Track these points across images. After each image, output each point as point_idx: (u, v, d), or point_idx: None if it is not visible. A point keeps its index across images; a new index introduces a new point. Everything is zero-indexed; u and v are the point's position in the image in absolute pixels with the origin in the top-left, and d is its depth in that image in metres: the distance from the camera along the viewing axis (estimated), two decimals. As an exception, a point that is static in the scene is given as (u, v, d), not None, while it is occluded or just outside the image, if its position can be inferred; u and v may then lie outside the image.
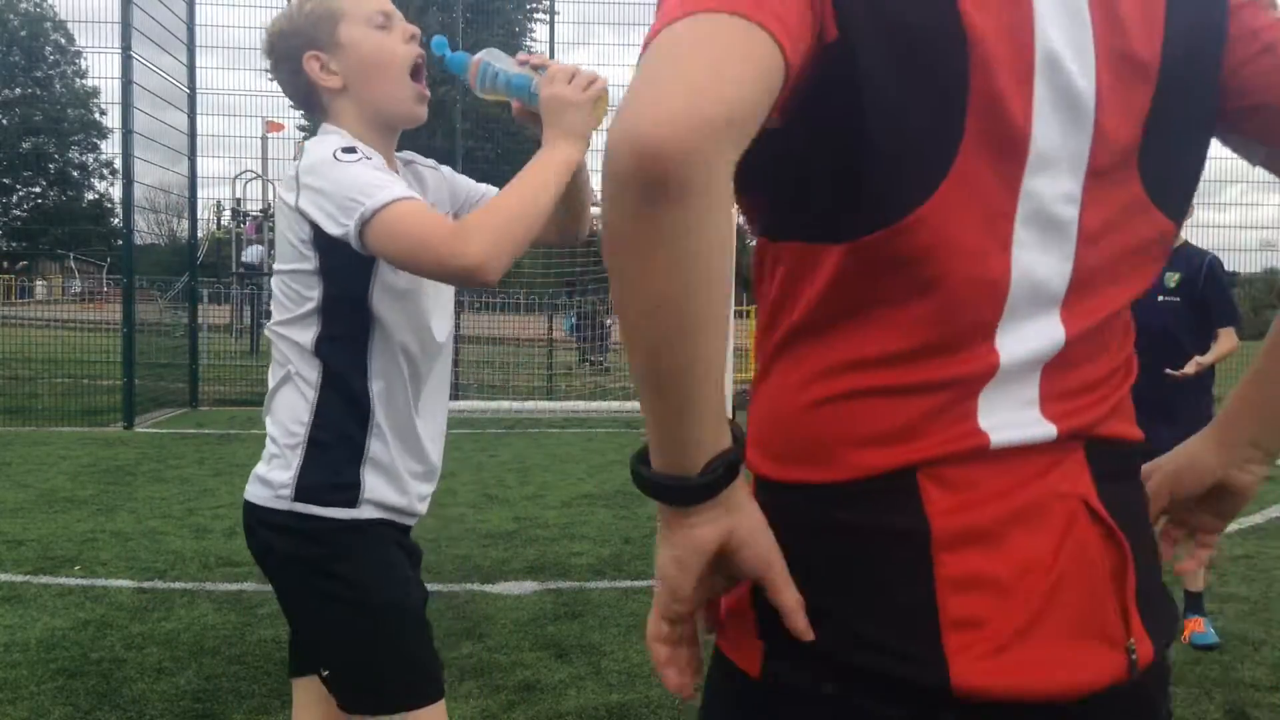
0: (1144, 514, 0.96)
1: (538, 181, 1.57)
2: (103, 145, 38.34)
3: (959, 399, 0.85)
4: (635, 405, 11.73)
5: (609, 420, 11.45)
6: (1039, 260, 0.87)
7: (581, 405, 12.46)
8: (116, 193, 16.05)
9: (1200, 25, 0.91)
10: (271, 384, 1.79)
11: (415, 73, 1.79)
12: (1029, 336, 0.87)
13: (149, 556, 5.18)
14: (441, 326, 1.84)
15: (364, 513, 1.73)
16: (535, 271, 15.69)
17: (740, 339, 14.39)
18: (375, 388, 1.73)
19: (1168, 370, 4.08)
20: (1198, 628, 4.13)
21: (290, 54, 1.78)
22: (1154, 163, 0.90)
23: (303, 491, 1.70)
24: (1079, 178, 0.87)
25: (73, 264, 30.58)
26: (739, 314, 13.51)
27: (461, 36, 14.35)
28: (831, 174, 0.84)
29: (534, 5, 32.79)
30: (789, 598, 0.83)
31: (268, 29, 1.84)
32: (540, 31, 36.54)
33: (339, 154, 1.62)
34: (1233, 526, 6.28)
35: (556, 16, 13.71)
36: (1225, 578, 5.09)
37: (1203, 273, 4.16)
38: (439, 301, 1.82)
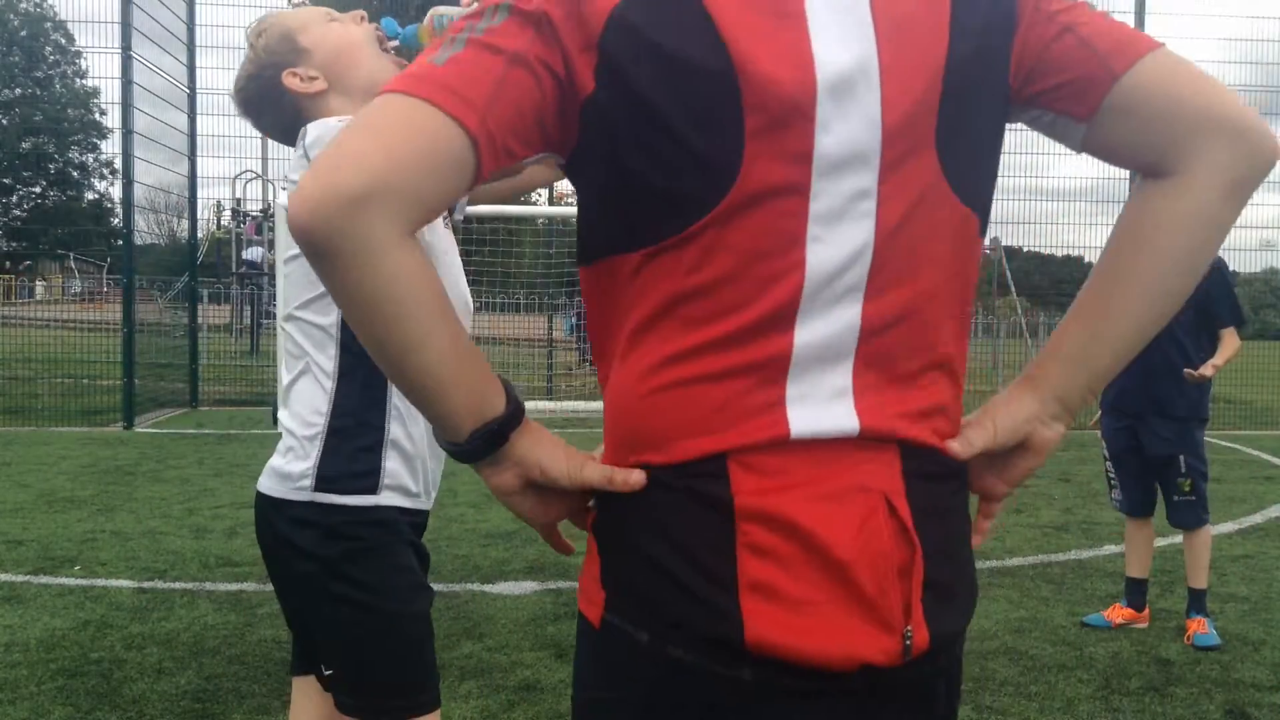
0: (955, 513, 1.02)
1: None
2: (103, 145, 38.44)
3: (763, 387, 0.94)
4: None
5: (609, 420, 11.44)
6: (833, 253, 0.93)
7: (581, 405, 12.44)
8: (116, 193, 16.06)
9: (986, 21, 0.97)
10: (286, 378, 1.79)
11: (380, 45, 1.85)
12: (826, 324, 0.94)
13: (149, 556, 5.18)
14: (459, 298, 1.78)
15: (384, 499, 1.73)
16: (535, 272, 15.70)
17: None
18: None
19: (1186, 370, 4.11)
20: (1200, 628, 4.14)
21: (267, 88, 1.82)
22: (951, 153, 0.96)
23: (323, 481, 1.70)
24: (873, 173, 0.93)
25: (73, 264, 30.59)
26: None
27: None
28: (626, 192, 0.94)
29: (534, 5, 32.84)
30: (597, 474, 0.98)
31: (235, 87, 1.87)
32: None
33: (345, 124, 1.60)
34: (1232, 526, 6.29)
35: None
36: (1225, 578, 5.09)
37: (1210, 274, 4.17)
38: (455, 276, 1.81)
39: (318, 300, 1.71)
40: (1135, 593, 4.36)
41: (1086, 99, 0.98)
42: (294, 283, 1.74)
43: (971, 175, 1.00)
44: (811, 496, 0.93)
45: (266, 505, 1.75)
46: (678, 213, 0.93)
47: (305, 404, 1.74)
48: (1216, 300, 4.16)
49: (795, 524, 0.92)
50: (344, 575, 1.70)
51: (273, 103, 1.83)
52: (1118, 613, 4.33)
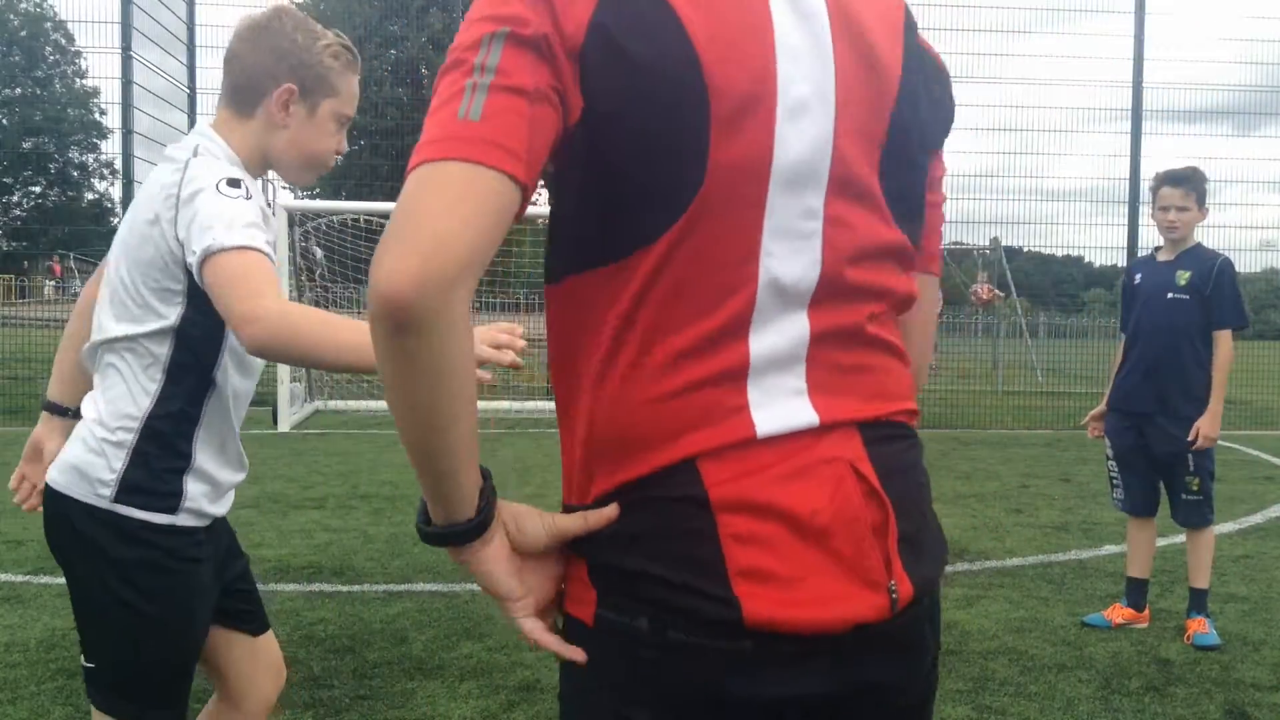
0: (915, 467, 1.11)
1: (360, 344, 1.59)
2: (103, 145, 38.39)
3: (727, 392, 0.99)
4: (635, 405, 11.72)
5: (609, 420, 11.44)
6: (785, 267, 1.00)
7: (581, 405, 12.44)
8: (116, 193, 16.05)
9: (927, 81, 1.12)
10: (102, 378, 1.85)
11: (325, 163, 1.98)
12: (777, 332, 1.01)
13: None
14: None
15: (180, 520, 1.83)
16: (535, 271, 15.70)
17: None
18: (207, 408, 1.85)
19: (1190, 441, 4.12)
20: (1200, 628, 4.14)
21: (279, 55, 1.85)
22: (892, 184, 1.07)
23: (125, 493, 1.78)
24: (820, 195, 1.01)
25: (73, 264, 30.58)
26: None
27: (461, 36, 14.37)
28: (601, 202, 0.98)
29: (534, 5, 32.76)
30: (572, 522, 1.02)
31: (279, 10, 1.88)
32: (540, 31, 36.56)
33: (222, 185, 1.71)
34: (1232, 526, 6.29)
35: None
36: (1225, 578, 5.09)
37: (1213, 274, 4.18)
38: None
39: (161, 333, 1.78)
40: (1136, 593, 4.35)
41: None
42: (136, 313, 1.79)
43: (905, 206, 1.10)
44: (781, 476, 0.99)
45: (64, 502, 1.81)
46: (647, 222, 0.97)
47: (116, 407, 1.80)
48: (1219, 300, 4.15)
49: (770, 504, 0.98)
50: (131, 580, 1.79)
51: (265, 59, 1.85)
52: (1118, 613, 4.33)
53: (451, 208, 0.88)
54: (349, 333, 1.61)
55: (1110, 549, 5.68)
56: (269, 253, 1.69)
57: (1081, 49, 12.88)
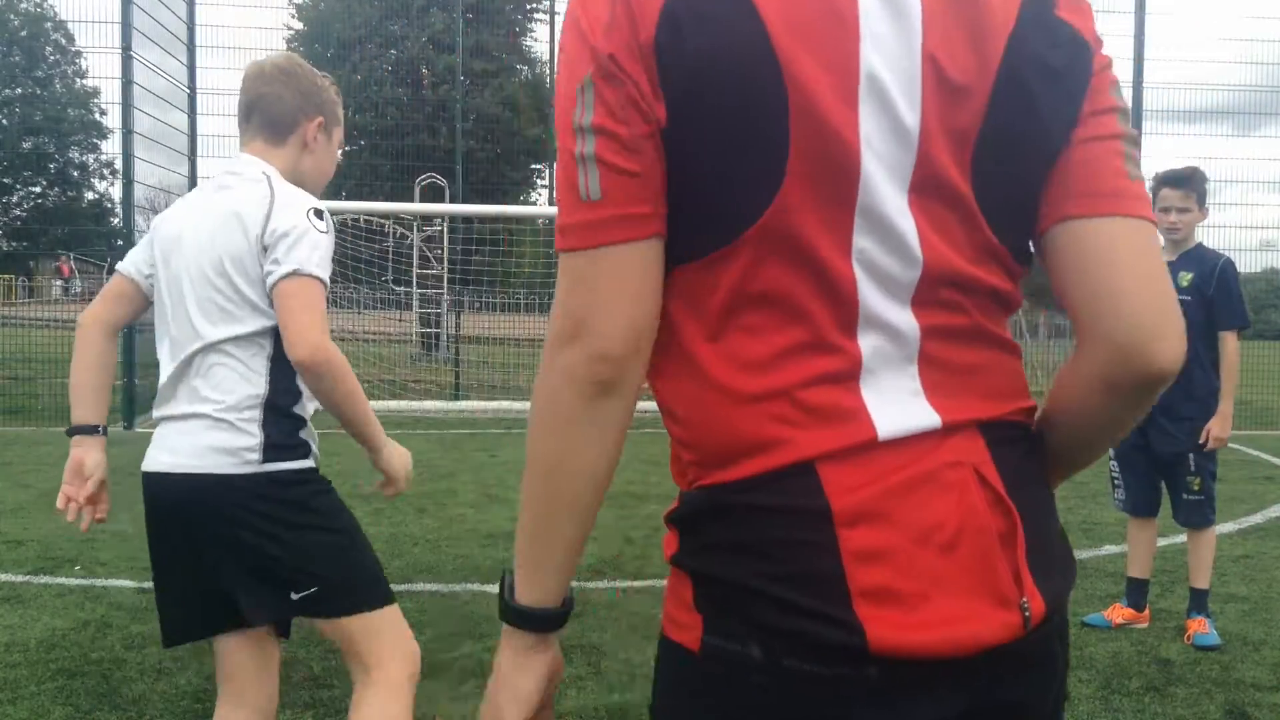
0: (1039, 475, 1.04)
1: (367, 417, 2.15)
2: (103, 145, 38.41)
3: (842, 392, 0.95)
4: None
5: (609, 420, 11.44)
6: (882, 263, 0.95)
7: (581, 405, 12.42)
8: (116, 193, 16.06)
9: (1040, 73, 0.98)
10: (208, 375, 2.16)
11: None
12: (884, 331, 0.96)
13: (149, 556, 5.17)
14: None
15: (312, 462, 2.21)
16: (535, 271, 15.70)
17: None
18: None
19: (1200, 444, 4.15)
20: (1200, 628, 4.14)
21: (306, 94, 2.27)
22: (988, 189, 0.98)
23: (271, 450, 2.12)
24: (905, 192, 0.95)
25: (73, 264, 30.57)
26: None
27: (462, 37, 14.35)
28: (678, 202, 0.95)
29: (534, 5, 32.78)
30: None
31: (287, 62, 2.29)
32: (540, 31, 36.57)
33: (311, 215, 2.11)
34: (1232, 526, 6.29)
35: (556, 17, 13.66)
36: (1225, 578, 5.09)
37: (1215, 275, 4.18)
38: None
39: (265, 331, 2.12)
40: (1136, 593, 4.36)
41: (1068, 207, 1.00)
42: (239, 315, 2.11)
43: (1004, 208, 1.00)
44: (904, 485, 0.93)
45: (208, 480, 2.07)
46: (729, 219, 0.94)
47: (238, 392, 2.10)
48: (1222, 301, 4.16)
49: (893, 517, 0.92)
50: (312, 509, 2.14)
51: (301, 95, 2.26)
52: (1118, 612, 4.34)
53: (628, 293, 0.94)
54: (361, 398, 2.11)
55: (1110, 549, 5.68)
56: (328, 283, 2.11)
57: (1081, 49, 12.91)
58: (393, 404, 12.05)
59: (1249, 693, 3.61)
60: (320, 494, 2.18)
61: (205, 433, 2.08)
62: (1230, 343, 4.18)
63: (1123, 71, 11.62)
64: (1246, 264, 16.78)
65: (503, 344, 15.68)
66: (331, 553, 2.15)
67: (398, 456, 2.25)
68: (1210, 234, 12.47)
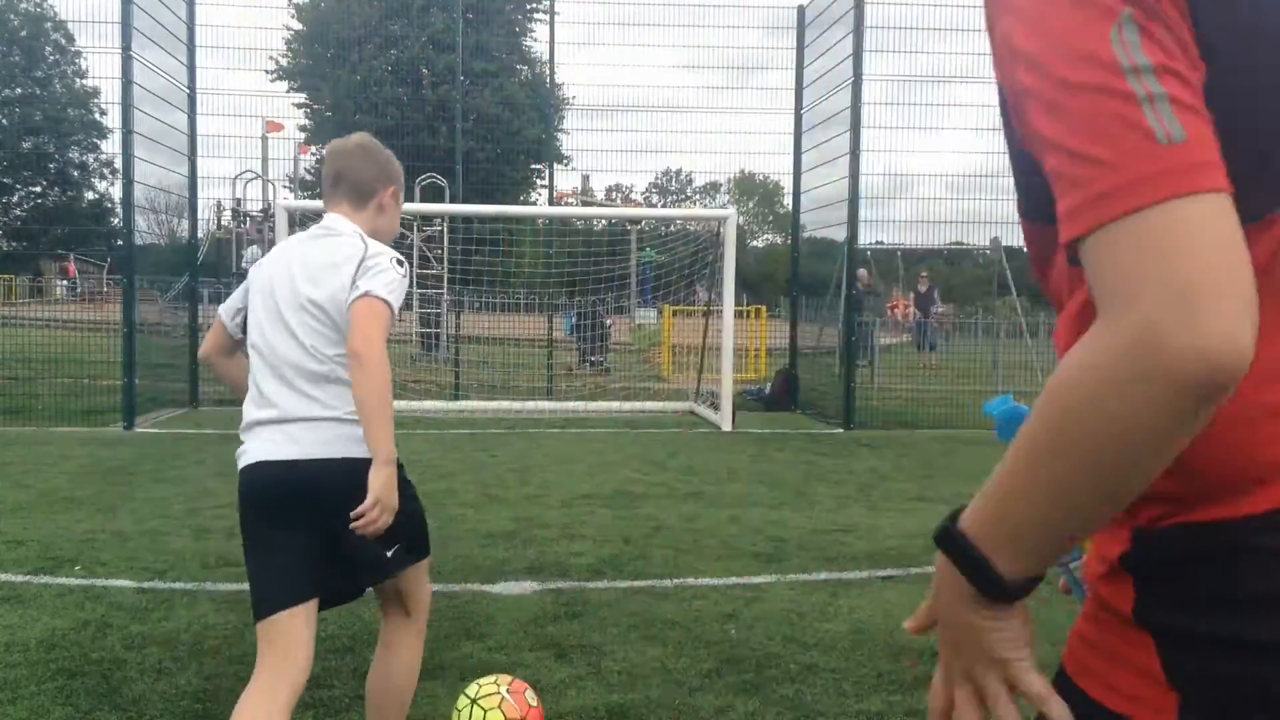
0: None
1: (383, 421, 2.49)
2: (103, 145, 38.37)
3: None
4: (635, 405, 11.65)
5: (609, 420, 11.45)
6: None
7: (581, 405, 12.45)
8: (117, 193, 16.06)
9: None
10: (318, 387, 2.59)
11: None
12: None
13: (149, 556, 5.18)
14: None
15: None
16: (535, 271, 15.70)
17: (740, 339, 14.40)
18: None
19: None
20: None
21: (382, 167, 2.79)
22: None
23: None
24: None
25: (73, 264, 30.56)
26: (739, 314, 13.52)
27: (462, 37, 14.36)
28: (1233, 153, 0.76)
29: (534, 5, 32.78)
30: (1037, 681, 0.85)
31: (373, 142, 2.84)
32: (540, 31, 36.56)
33: (397, 265, 2.61)
34: (1233, 527, 6.29)
35: (557, 17, 13.67)
36: (1225, 578, 5.09)
37: None
38: None
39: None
40: None
41: None
42: (336, 339, 2.58)
43: None
44: None
45: (360, 463, 2.45)
46: (1263, 190, 0.79)
47: (346, 396, 2.53)
48: None
49: None
50: (406, 480, 2.60)
51: (378, 169, 2.78)
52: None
53: (1226, 249, 0.71)
54: (383, 402, 2.49)
55: (1110, 549, 5.68)
56: (396, 310, 2.57)
57: (1082, 49, 12.89)
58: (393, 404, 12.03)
59: (1249, 693, 3.60)
60: (404, 471, 2.61)
61: (334, 427, 2.52)
62: None
63: (1123, 71, 11.62)
64: (1246, 264, 16.74)
65: (502, 344, 15.67)
66: (420, 515, 2.69)
67: (385, 480, 2.41)
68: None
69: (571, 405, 12.39)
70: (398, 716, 2.77)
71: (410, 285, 14.41)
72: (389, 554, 2.54)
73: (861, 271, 13.86)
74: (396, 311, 2.58)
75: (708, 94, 18.42)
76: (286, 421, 2.52)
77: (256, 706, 2.38)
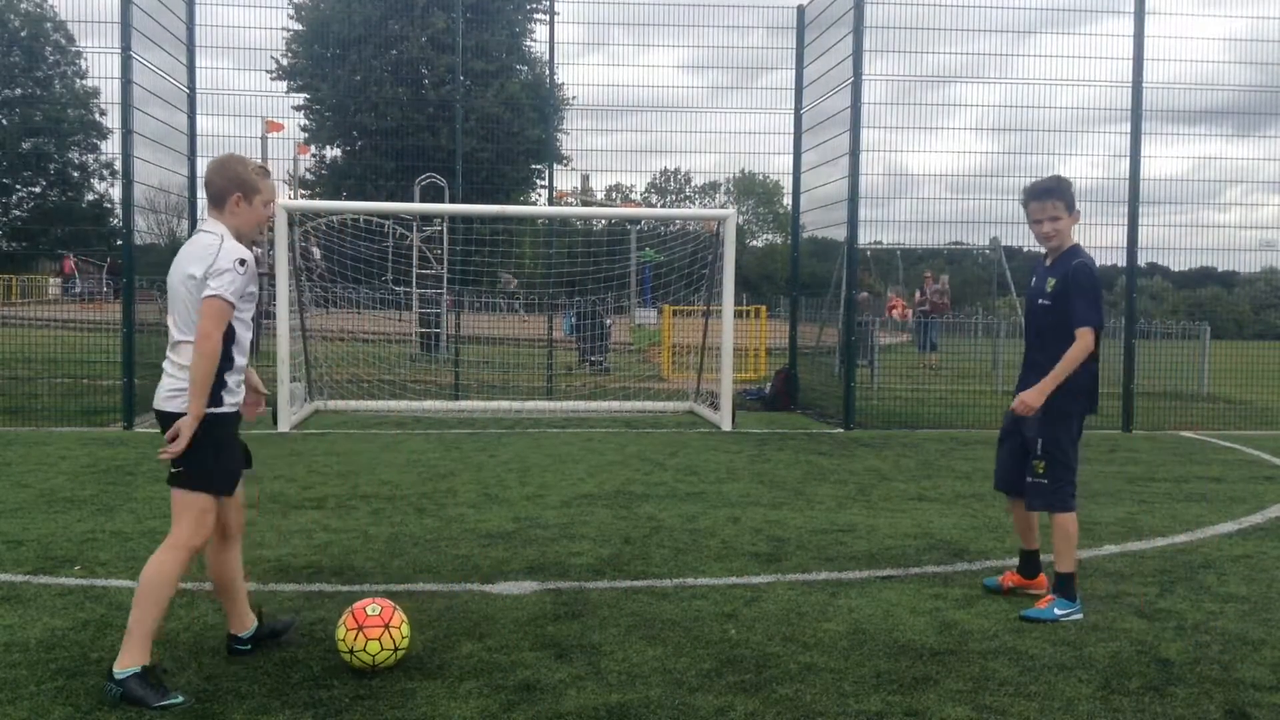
0: None
1: (200, 390, 3.56)
2: (103, 145, 38.35)
3: None
4: (634, 405, 11.62)
5: (609, 420, 11.45)
6: None
7: (581, 405, 12.45)
8: (116, 193, 16.05)
9: None
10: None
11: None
12: None
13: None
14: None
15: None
16: (535, 272, 15.69)
17: (740, 339, 14.39)
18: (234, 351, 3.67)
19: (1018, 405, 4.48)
20: (1042, 605, 4.44)
21: (228, 178, 3.67)
22: None
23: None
24: None
25: (74, 263, 30.56)
26: (739, 314, 13.50)
27: (462, 37, 14.35)
28: None
29: (534, 5, 32.77)
30: None
31: (222, 164, 3.73)
32: (540, 32, 36.54)
33: (237, 265, 3.52)
34: (1232, 526, 6.28)
35: (557, 17, 13.66)
36: (1225, 578, 5.09)
37: (1069, 274, 4.43)
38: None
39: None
40: (1026, 563, 4.77)
41: None
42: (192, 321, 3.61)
43: None
44: None
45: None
46: None
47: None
48: (1068, 301, 4.40)
49: None
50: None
51: (224, 184, 3.68)
52: (1010, 578, 4.76)
53: None
54: (202, 376, 3.54)
55: (1110, 549, 5.68)
56: (234, 303, 3.53)
57: (1082, 49, 12.86)
58: (393, 404, 12.05)
59: (1249, 693, 3.61)
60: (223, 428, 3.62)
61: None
62: (1081, 338, 4.37)
63: (1122, 71, 11.60)
64: (1247, 264, 16.77)
65: (502, 344, 15.67)
66: (203, 457, 3.60)
67: (185, 427, 3.50)
68: (1211, 234, 12.46)
69: (571, 405, 12.39)
70: (149, 610, 3.42)
71: (411, 286, 14.49)
72: (174, 470, 3.57)
73: (863, 295, 13.90)
74: (237, 304, 3.53)
75: (707, 94, 18.45)
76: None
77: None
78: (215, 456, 3.57)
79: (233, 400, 3.65)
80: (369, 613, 3.67)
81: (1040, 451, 4.47)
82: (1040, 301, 4.51)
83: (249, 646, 3.79)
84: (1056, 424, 4.45)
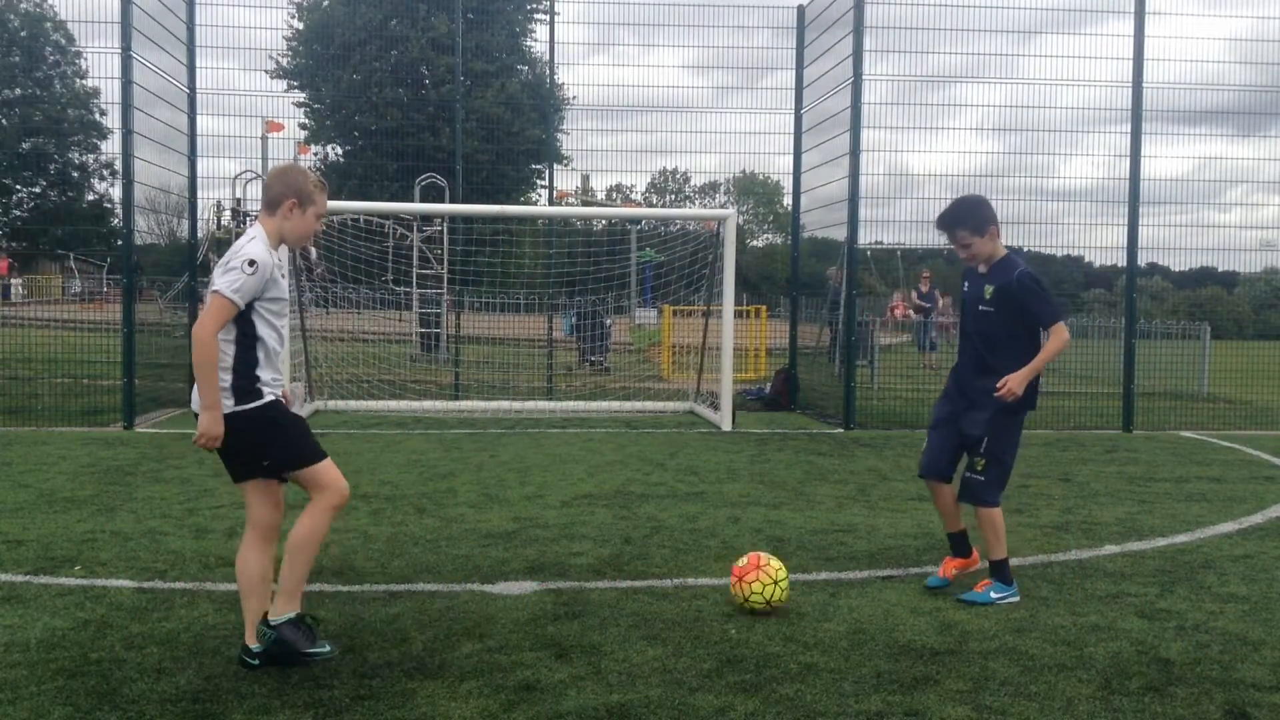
0: None
1: (208, 385, 3.58)
2: (103, 146, 38.35)
3: None
4: (634, 405, 11.64)
5: (609, 420, 11.44)
6: None
7: (581, 405, 12.45)
8: (117, 193, 16.06)
9: None
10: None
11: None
12: None
13: (149, 556, 5.18)
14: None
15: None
16: (535, 272, 15.69)
17: (740, 339, 14.38)
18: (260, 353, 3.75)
19: (999, 389, 4.57)
20: (979, 588, 4.64)
21: (287, 184, 3.79)
22: None
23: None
24: None
25: (73, 264, 30.57)
26: (739, 314, 13.50)
27: (462, 37, 14.34)
28: None
29: (534, 5, 32.76)
30: None
31: (284, 172, 3.88)
32: (540, 32, 36.54)
33: (245, 266, 3.60)
34: (1232, 526, 6.28)
35: (557, 17, 13.65)
36: (1225, 578, 5.09)
37: (1014, 285, 4.62)
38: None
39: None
40: (958, 544, 4.94)
41: None
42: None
43: None
44: None
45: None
46: None
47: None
48: (1028, 306, 4.59)
49: None
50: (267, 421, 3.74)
51: (274, 194, 3.81)
52: (949, 566, 4.89)
53: None
54: (205, 369, 3.54)
55: (1110, 549, 5.68)
56: (236, 301, 3.58)
57: (1083, 50, 12.85)
58: (393, 404, 12.05)
59: (1249, 693, 3.61)
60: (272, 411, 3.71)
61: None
62: (1058, 333, 4.61)
63: (1123, 72, 11.60)
64: (1247, 264, 16.75)
65: (502, 344, 15.67)
66: (273, 442, 3.76)
67: (205, 420, 3.57)
68: (1211, 234, 12.46)
69: (571, 405, 12.39)
70: (299, 566, 3.70)
71: (411, 286, 14.48)
72: (265, 464, 3.73)
73: (831, 269, 13.89)
74: (239, 302, 3.57)
75: (707, 94, 18.43)
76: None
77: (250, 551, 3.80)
78: (285, 434, 3.73)
79: (271, 391, 3.75)
80: (740, 564, 4.39)
81: (984, 451, 4.67)
82: (981, 307, 4.73)
83: (258, 662, 3.65)
84: (1004, 425, 4.66)
